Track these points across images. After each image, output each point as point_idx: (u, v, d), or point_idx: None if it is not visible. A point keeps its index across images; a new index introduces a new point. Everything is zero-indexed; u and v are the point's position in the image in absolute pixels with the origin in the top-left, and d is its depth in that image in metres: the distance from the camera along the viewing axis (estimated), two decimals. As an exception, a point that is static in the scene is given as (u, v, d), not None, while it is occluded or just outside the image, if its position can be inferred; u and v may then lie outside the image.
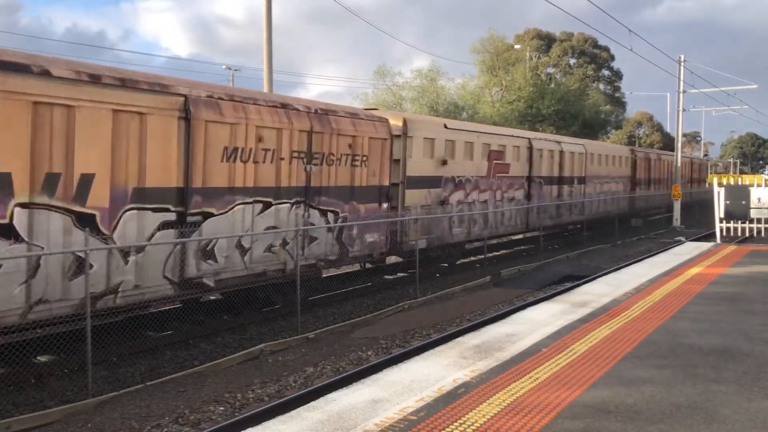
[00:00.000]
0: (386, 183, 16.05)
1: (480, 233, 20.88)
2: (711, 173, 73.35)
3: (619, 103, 68.90)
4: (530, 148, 24.04)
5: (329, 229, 14.37)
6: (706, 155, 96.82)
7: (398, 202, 16.92)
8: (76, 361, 9.94)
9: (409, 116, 18.50)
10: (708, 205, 42.22)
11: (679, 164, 39.21)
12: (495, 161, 21.59)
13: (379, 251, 16.07)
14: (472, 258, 22.76)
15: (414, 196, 17.43)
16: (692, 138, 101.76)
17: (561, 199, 26.45)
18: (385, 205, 16.06)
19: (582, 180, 28.92)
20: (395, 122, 17.01)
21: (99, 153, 9.66)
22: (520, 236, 27.07)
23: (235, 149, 11.89)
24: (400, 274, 19.29)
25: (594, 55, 65.99)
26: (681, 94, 38.67)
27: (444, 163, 18.68)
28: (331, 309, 14.78)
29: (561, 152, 26.59)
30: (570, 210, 27.39)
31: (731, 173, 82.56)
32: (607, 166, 32.02)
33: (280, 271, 13.11)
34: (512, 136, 23.48)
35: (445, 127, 19.37)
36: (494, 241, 25.79)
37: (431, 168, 18.28)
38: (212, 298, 13.89)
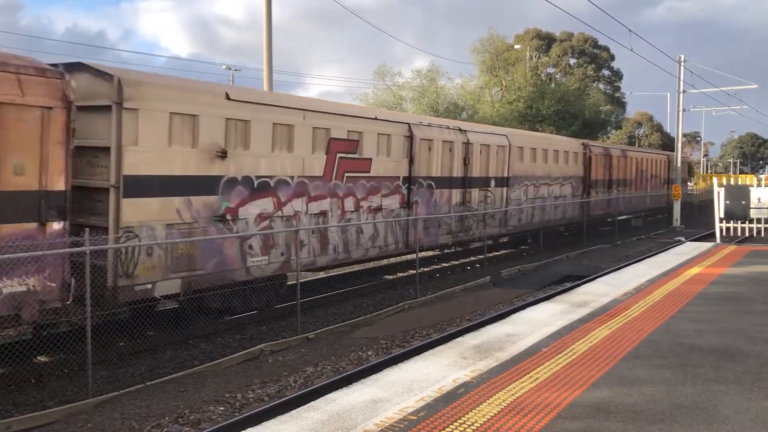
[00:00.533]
0: (59, 186, 9.19)
1: (314, 261, 14.39)
2: (710, 173, 73.37)
3: (619, 103, 68.95)
4: (410, 138, 17.34)
5: None
6: (706, 155, 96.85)
7: (108, 220, 10.34)
8: (76, 361, 9.95)
9: (131, 75, 11.25)
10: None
11: (679, 164, 39.27)
12: (342, 155, 14.95)
13: (39, 308, 8.93)
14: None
15: (148, 209, 10.72)
16: (692, 138, 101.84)
17: (468, 207, 20.07)
18: (57, 226, 9.15)
19: (504, 181, 22.24)
20: (82, 78, 10.39)
21: None
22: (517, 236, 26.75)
23: None
24: (399, 275, 19.31)
25: (594, 55, 66.02)
26: (681, 94, 38.71)
27: (223, 155, 11.96)
28: (331, 309, 14.80)
29: (467, 144, 19.90)
30: (484, 221, 21.04)
31: (731, 173, 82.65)
32: (545, 164, 25.41)
33: None
34: (375, 119, 16.44)
35: (227, 97, 12.26)
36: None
37: (194, 163, 11.52)
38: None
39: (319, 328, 12.84)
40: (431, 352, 8.47)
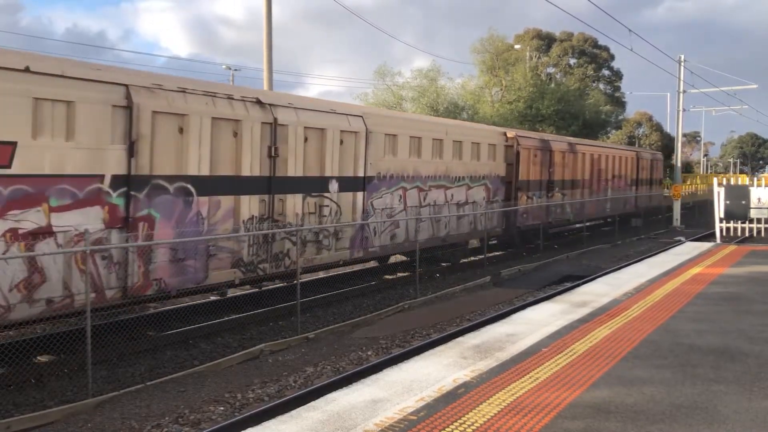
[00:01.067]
0: None
1: None
2: (711, 173, 73.30)
3: (619, 103, 68.88)
4: (129, 110, 10.46)
5: None
6: (706, 155, 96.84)
7: None
8: (76, 361, 9.95)
9: None
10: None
11: (679, 164, 39.28)
12: None
13: None
14: (472, 258, 22.24)
15: None
16: (692, 138, 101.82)
17: (278, 223, 13.31)
18: None
19: (358, 184, 15.67)
20: None
21: None
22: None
23: None
24: (400, 274, 19.30)
25: (594, 55, 65.95)
26: (681, 94, 38.76)
27: None
28: (331, 309, 14.80)
29: (274, 126, 13.14)
30: (316, 242, 14.43)
31: (731, 173, 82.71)
32: (440, 159, 18.64)
33: None
34: (25, 71, 9.04)
35: None
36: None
37: None
38: (213, 298, 13.90)
39: (319, 328, 12.83)
40: (431, 352, 8.47)
